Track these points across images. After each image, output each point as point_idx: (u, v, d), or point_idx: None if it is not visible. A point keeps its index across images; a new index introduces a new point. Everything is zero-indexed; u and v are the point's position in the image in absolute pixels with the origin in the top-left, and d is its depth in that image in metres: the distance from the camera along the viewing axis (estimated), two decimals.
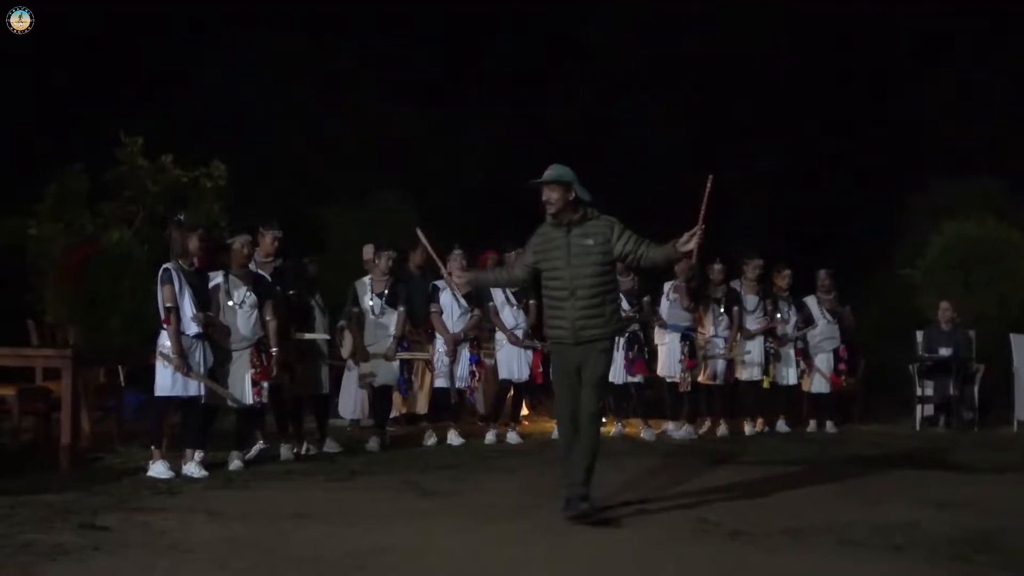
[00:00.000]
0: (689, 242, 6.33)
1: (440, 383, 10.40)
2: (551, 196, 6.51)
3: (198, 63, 18.58)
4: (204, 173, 14.00)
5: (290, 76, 19.04)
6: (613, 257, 6.52)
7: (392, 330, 10.03)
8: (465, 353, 10.43)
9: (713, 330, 11.42)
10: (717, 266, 11.48)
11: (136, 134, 13.69)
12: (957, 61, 18.73)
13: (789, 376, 11.85)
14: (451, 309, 10.41)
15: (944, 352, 12.22)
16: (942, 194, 15.31)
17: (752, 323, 11.60)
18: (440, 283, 10.47)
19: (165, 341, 7.82)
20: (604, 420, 11.48)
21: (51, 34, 15.79)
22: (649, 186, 18.75)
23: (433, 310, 10.38)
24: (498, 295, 10.53)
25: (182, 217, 8.31)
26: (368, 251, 10.74)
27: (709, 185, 6.39)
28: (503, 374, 10.62)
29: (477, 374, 10.53)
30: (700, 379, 11.33)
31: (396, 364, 10.02)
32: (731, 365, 11.40)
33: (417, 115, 19.33)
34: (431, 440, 10.21)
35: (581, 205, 6.53)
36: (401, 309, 10.07)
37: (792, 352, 11.89)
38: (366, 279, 10.24)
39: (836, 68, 20.03)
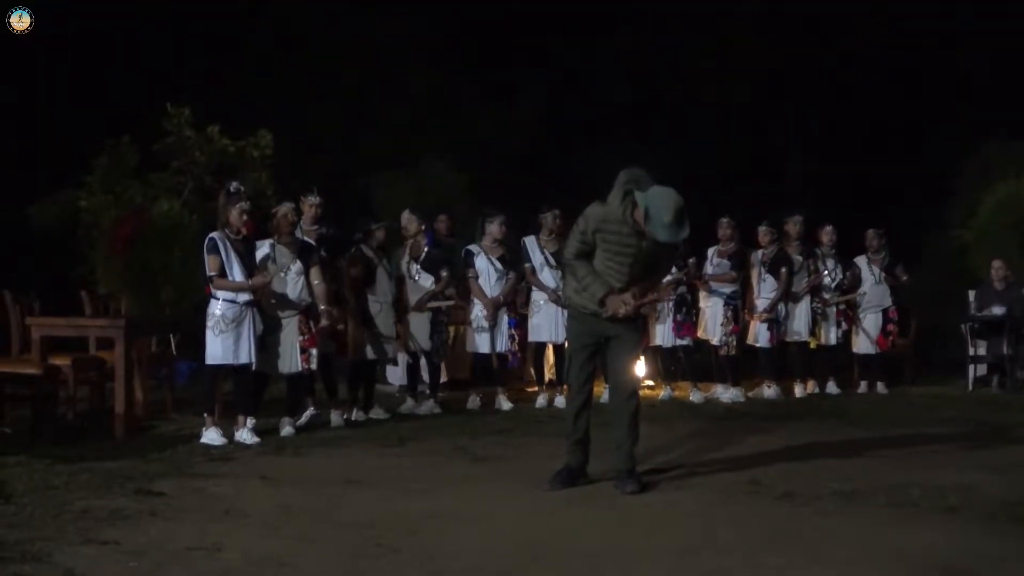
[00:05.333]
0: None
1: (481, 348, 10.44)
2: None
3: (245, 33, 18.59)
4: (251, 143, 14.05)
5: (338, 45, 19.00)
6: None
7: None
8: (504, 317, 10.44)
9: (757, 292, 11.35)
10: (763, 228, 11.39)
11: (183, 104, 13.75)
12: (1014, 21, 18.31)
13: (830, 336, 11.76)
14: (487, 273, 10.36)
15: (997, 311, 12.04)
16: (996, 154, 15.04)
17: (796, 283, 11.50)
18: (474, 247, 10.44)
19: (215, 310, 7.88)
20: (653, 384, 11.60)
21: (100, 4, 15.90)
22: (698, 151, 18.60)
23: (469, 275, 10.37)
24: (536, 256, 10.42)
25: (232, 187, 8.31)
26: (404, 218, 10.69)
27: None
28: (542, 337, 10.55)
29: (517, 337, 10.54)
30: (747, 341, 11.28)
31: (428, 331, 10.04)
32: (771, 326, 11.29)
33: (466, 82, 19.24)
34: (475, 403, 10.27)
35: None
36: (445, 274, 10.10)
37: (834, 312, 11.79)
38: (405, 244, 10.29)
39: (889, 30, 19.68)
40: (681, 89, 19.49)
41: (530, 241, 10.45)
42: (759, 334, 11.29)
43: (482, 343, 10.37)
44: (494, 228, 10.40)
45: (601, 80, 20.04)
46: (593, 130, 18.42)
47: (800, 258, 11.55)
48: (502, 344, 10.40)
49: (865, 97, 19.53)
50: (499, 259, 10.39)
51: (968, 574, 4.41)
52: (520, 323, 10.57)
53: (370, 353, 9.48)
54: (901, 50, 19.42)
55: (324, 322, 8.59)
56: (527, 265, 10.46)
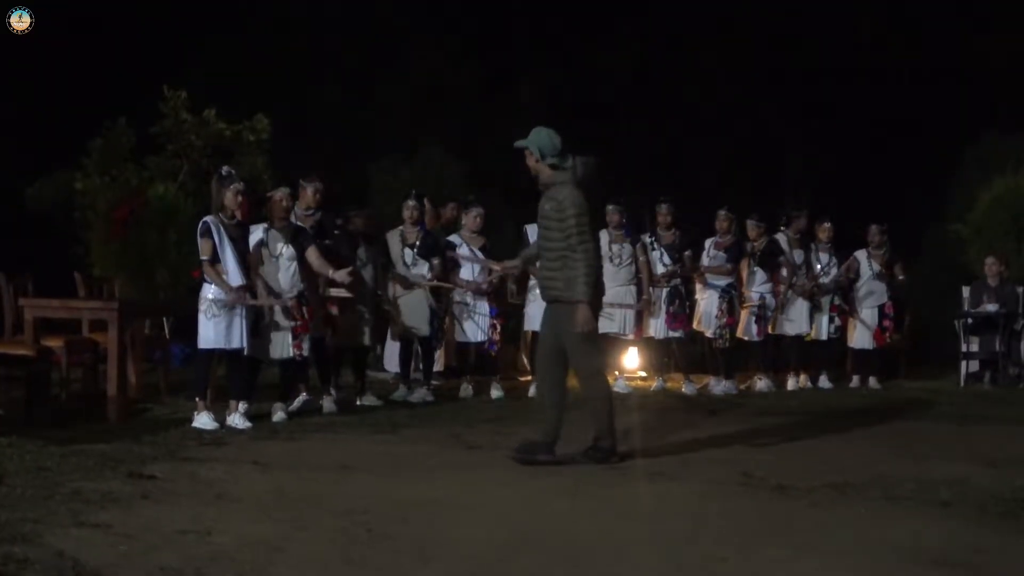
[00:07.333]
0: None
1: (460, 337, 10.45)
2: (527, 162, 6.82)
3: (244, 16, 18.52)
4: (247, 127, 14.01)
5: (337, 29, 18.94)
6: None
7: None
8: (484, 306, 10.43)
9: (746, 284, 11.35)
10: (751, 222, 11.40)
11: (180, 87, 13.70)
12: (1013, 14, 18.29)
13: (821, 331, 11.76)
14: (469, 264, 10.37)
15: (990, 307, 12.05)
16: (995, 148, 15.01)
17: (798, 276, 11.51)
18: (455, 238, 10.41)
19: (207, 294, 7.84)
20: (645, 375, 11.59)
21: None
22: (697, 142, 18.58)
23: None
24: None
25: (223, 171, 8.26)
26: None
27: None
28: (536, 326, 10.50)
29: (497, 326, 10.52)
30: (737, 334, 11.29)
31: (427, 317, 10.01)
32: (759, 319, 11.30)
33: (466, 69, 19.19)
34: (467, 392, 10.26)
35: (560, 168, 6.69)
36: (436, 261, 10.07)
37: (828, 306, 11.79)
38: (397, 230, 10.23)
39: (889, 23, 19.65)
40: (682, 79, 19.46)
41: (532, 228, 10.40)
42: (748, 327, 11.30)
43: (459, 332, 10.41)
44: (469, 219, 10.38)
45: (602, 68, 19.98)
46: (593, 118, 18.39)
47: (801, 251, 11.59)
48: (480, 334, 10.38)
49: (864, 91, 19.50)
50: (480, 249, 10.36)
51: (960, 567, 4.41)
52: (500, 313, 10.56)
53: (362, 339, 9.49)
54: (901, 43, 19.40)
55: (347, 277, 8.50)
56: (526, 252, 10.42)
